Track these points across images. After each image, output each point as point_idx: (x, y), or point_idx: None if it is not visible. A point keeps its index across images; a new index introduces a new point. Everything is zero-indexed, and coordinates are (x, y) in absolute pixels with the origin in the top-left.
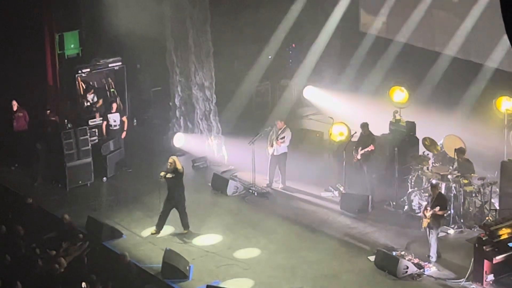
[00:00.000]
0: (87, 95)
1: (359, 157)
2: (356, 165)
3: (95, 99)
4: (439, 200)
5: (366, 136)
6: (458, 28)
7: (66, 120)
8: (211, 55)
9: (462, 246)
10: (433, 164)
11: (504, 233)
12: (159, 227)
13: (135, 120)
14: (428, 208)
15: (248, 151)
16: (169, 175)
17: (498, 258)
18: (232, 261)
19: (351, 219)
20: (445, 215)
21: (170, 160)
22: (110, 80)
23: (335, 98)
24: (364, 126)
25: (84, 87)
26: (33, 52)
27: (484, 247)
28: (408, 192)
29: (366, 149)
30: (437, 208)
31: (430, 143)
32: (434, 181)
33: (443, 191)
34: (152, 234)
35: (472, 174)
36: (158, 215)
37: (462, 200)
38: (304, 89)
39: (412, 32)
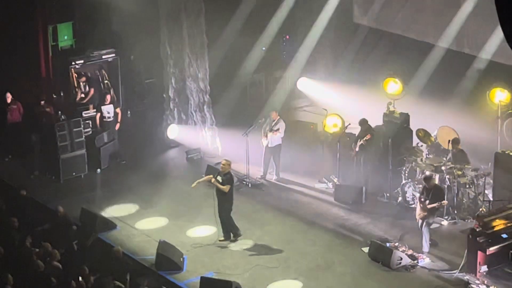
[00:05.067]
0: (80, 86)
1: (357, 149)
2: (354, 157)
3: (87, 89)
4: (436, 192)
5: (365, 131)
6: (452, 19)
7: (59, 112)
8: (205, 46)
9: (455, 237)
10: (427, 155)
11: (497, 224)
12: (227, 235)
13: (129, 112)
14: (423, 200)
15: (242, 143)
16: (219, 178)
17: (492, 249)
18: (226, 252)
19: (345, 211)
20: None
21: (224, 162)
22: (104, 72)
23: (329, 90)
24: (363, 123)
25: (77, 79)
26: (26, 44)
27: (477, 238)
28: (402, 183)
29: (364, 139)
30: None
31: (424, 135)
32: (427, 173)
33: (436, 183)
34: (220, 241)
35: (467, 165)
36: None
37: (456, 192)
38: (298, 80)
39: (406, 23)
